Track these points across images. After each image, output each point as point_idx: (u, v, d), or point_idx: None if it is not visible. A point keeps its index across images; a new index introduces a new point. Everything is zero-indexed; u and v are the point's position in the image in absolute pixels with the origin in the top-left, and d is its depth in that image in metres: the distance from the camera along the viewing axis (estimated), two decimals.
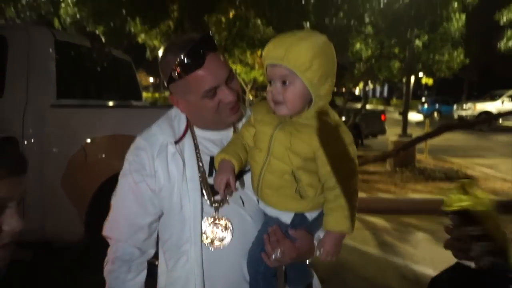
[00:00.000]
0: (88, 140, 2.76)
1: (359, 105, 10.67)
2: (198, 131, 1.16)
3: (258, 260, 1.06)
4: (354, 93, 22.91)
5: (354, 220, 1.02)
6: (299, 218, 1.06)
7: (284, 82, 0.99)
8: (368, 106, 26.84)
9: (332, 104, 10.94)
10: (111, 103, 3.59)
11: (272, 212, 1.07)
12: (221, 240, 1.08)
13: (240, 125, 1.19)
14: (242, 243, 1.10)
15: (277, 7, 5.64)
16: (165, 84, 1.12)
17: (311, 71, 0.96)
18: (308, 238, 1.08)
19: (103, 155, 2.76)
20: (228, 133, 1.18)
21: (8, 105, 2.81)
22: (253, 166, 1.08)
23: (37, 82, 2.84)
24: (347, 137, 1.01)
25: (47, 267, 3.29)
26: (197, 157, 1.11)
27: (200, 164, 1.12)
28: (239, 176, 1.12)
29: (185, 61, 1.02)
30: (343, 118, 9.94)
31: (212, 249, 1.08)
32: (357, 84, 11.72)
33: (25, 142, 2.74)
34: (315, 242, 1.10)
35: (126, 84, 4.28)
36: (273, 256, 1.03)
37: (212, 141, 1.15)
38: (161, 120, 1.17)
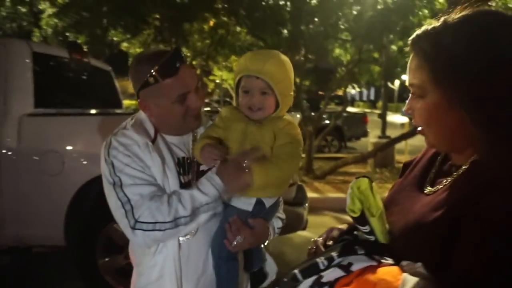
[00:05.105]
0: (65, 147, 2.87)
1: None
2: (163, 136, 1.27)
3: (220, 247, 1.23)
4: (340, 96, 23.18)
5: (269, 183, 1.17)
6: (258, 206, 1.23)
7: (263, 93, 1.19)
8: (354, 109, 27.13)
9: (315, 107, 11.10)
10: (88, 111, 3.69)
11: (236, 202, 1.23)
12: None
13: (199, 131, 1.32)
14: (206, 235, 1.26)
15: (253, 16, 5.79)
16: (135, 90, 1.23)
17: (282, 84, 1.19)
18: (264, 225, 1.26)
19: (80, 161, 2.87)
20: (189, 138, 1.32)
21: None
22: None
23: (15, 92, 2.94)
24: (294, 129, 1.24)
25: (27, 271, 3.36)
26: (172, 156, 1.24)
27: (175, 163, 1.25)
28: (202, 174, 1.26)
29: (163, 68, 1.15)
30: (327, 122, 10.08)
31: (185, 239, 1.23)
32: (339, 88, 11.93)
33: (3, 151, 2.83)
34: (270, 229, 1.31)
35: (105, 93, 4.38)
36: (234, 242, 1.19)
37: (176, 145, 1.28)
38: (132, 123, 1.25)
